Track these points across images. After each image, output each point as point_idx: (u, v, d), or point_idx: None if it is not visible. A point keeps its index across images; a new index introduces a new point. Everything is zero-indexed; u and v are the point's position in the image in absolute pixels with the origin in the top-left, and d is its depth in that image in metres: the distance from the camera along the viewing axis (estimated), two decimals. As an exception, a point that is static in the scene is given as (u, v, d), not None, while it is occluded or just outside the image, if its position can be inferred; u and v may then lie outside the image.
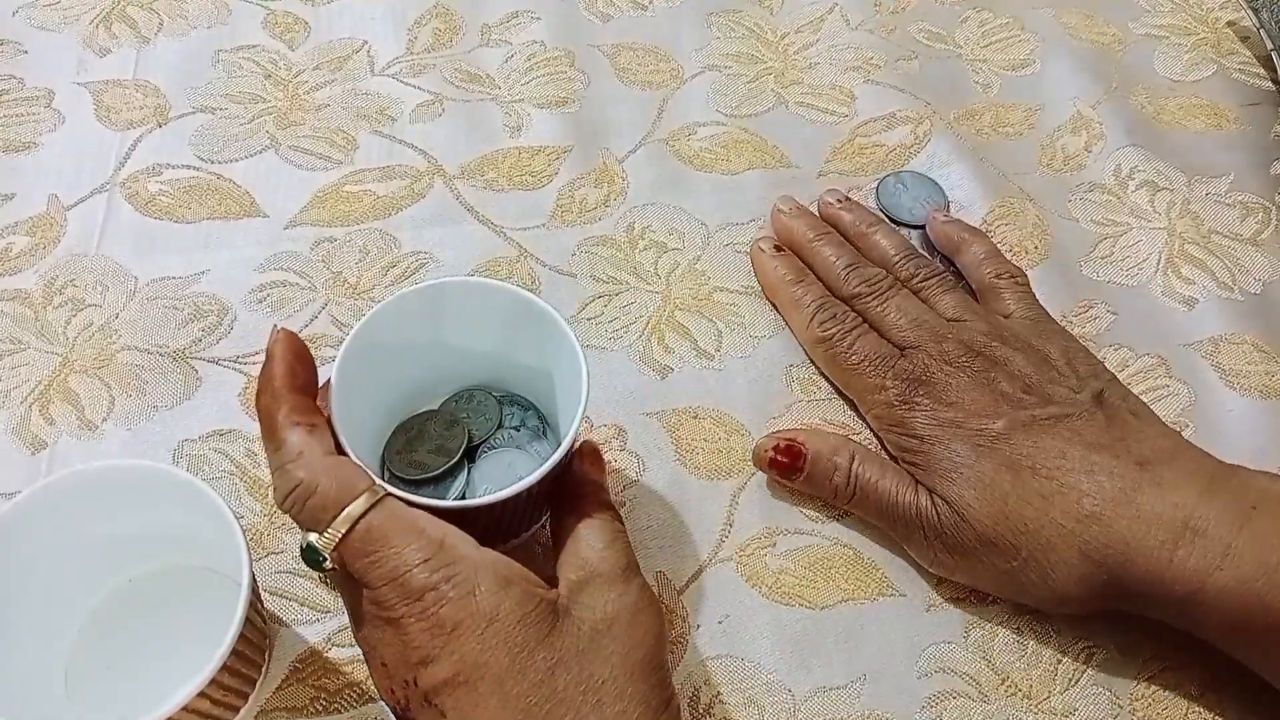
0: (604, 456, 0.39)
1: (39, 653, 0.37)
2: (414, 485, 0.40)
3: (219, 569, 0.39)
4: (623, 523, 0.37)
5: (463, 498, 0.40)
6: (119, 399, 0.45)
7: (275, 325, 0.36)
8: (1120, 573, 0.37)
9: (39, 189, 0.51)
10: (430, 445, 0.41)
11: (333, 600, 0.41)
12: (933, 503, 0.40)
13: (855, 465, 0.42)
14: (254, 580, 0.35)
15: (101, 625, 0.39)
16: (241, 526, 0.41)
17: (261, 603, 0.38)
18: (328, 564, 0.32)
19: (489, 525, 0.37)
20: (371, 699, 0.39)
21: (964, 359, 0.42)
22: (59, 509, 0.36)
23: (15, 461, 0.43)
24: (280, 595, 0.41)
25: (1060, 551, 0.38)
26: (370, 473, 0.34)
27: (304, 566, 0.41)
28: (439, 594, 0.31)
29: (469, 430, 0.42)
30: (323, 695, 0.39)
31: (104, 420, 0.44)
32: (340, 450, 0.34)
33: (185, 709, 0.32)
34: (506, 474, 0.41)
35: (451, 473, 0.41)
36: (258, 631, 0.36)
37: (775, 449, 0.43)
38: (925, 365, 0.42)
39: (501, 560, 0.33)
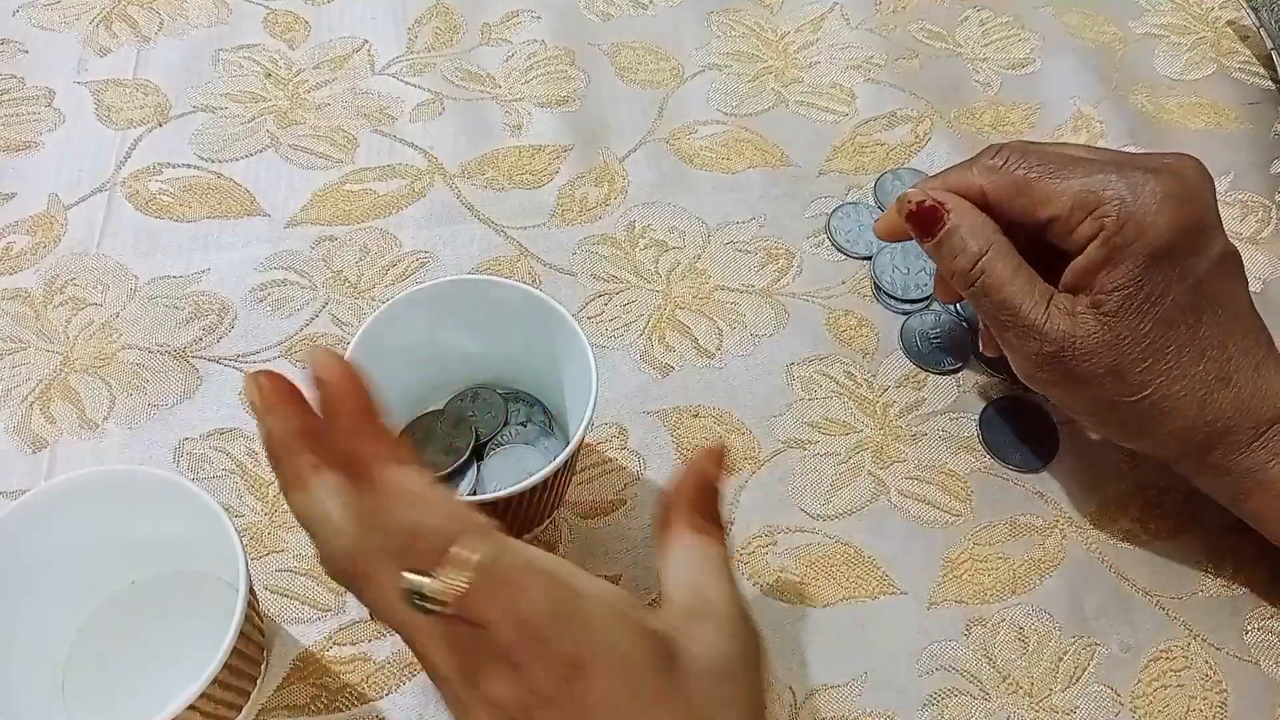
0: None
1: (37, 655, 0.38)
2: None
3: (219, 574, 0.39)
4: (725, 545, 0.34)
5: (474, 495, 0.40)
6: (120, 398, 0.45)
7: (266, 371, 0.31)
8: (1216, 438, 0.38)
9: (39, 188, 0.51)
10: (439, 445, 0.41)
11: (333, 599, 0.41)
12: (1073, 323, 0.38)
13: (986, 258, 0.40)
14: (251, 587, 0.35)
15: (100, 629, 0.39)
16: (242, 525, 0.42)
17: (259, 609, 0.38)
18: (446, 610, 0.28)
19: (503, 522, 0.37)
20: (372, 699, 0.39)
21: None
22: (60, 513, 0.36)
23: (16, 460, 0.43)
24: (281, 594, 0.41)
25: (1181, 401, 0.38)
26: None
27: (296, 571, 0.41)
28: (563, 632, 0.28)
29: (476, 428, 0.42)
30: (324, 694, 0.39)
31: (105, 419, 0.44)
32: None
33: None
34: (516, 470, 0.41)
35: (461, 471, 0.41)
36: (253, 644, 0.36)
37: (919, 204, 0.41)
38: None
39: (611, 588, 0.30)
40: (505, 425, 0.43)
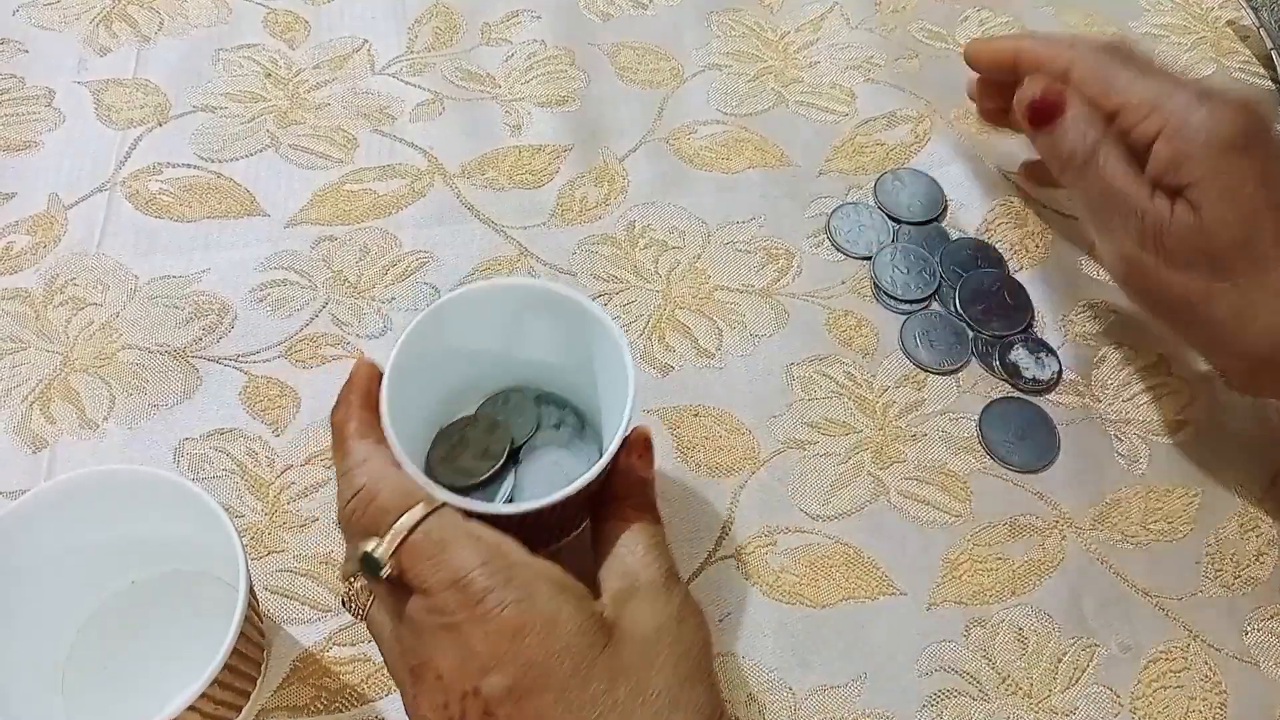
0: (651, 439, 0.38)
1: (37, 655, 0.38)
2: (462, 492, 0.39)
3: (219, 574, 0.39)
4: (661, 523, 0.36)
5: (511, 501, 0.40)
6: (119, 398, 0.45)
7: (361, 353, 0.37)
8: None
9: (39, 188, 0.51)
10: (474, 451, 0.41)
11: (333, 600, 0.41)
12: (1172, 207, 0.40)
13: (1102, 148, 0.42)
14: (251, 588, 0.35)
15: (100, 628, 0.39)
16: (242, 525, 0.42)
17: (259, 609, 0.38)
18: (386, 570, 0.31)
19: (540, 529, 0.36)
20: (372, 699, 0.39)
21: None
22: (60, 513, 0.36)
23: (16, 460, 0.43)
24: (281, 594, 0.41)
25: (1274, 295, 0.39)
26: (436, 490, 0.33)
27: (296, 571, 0.41)
28: (500, 596, 0.30)
29: (510, 433, 0.41)
30: (323, 694, 0.39)
31: (105, 419, 0.44)
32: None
33: None
34: (554, 472, 0.40)
35: (498, 476, 0.40)
36: (253, 645, 0.36)
37: (1042, 97, 0.43)
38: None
39: (554, 568, 0.32)
40: (538, 429, 0.42)
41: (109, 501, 0.36)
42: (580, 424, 0.43)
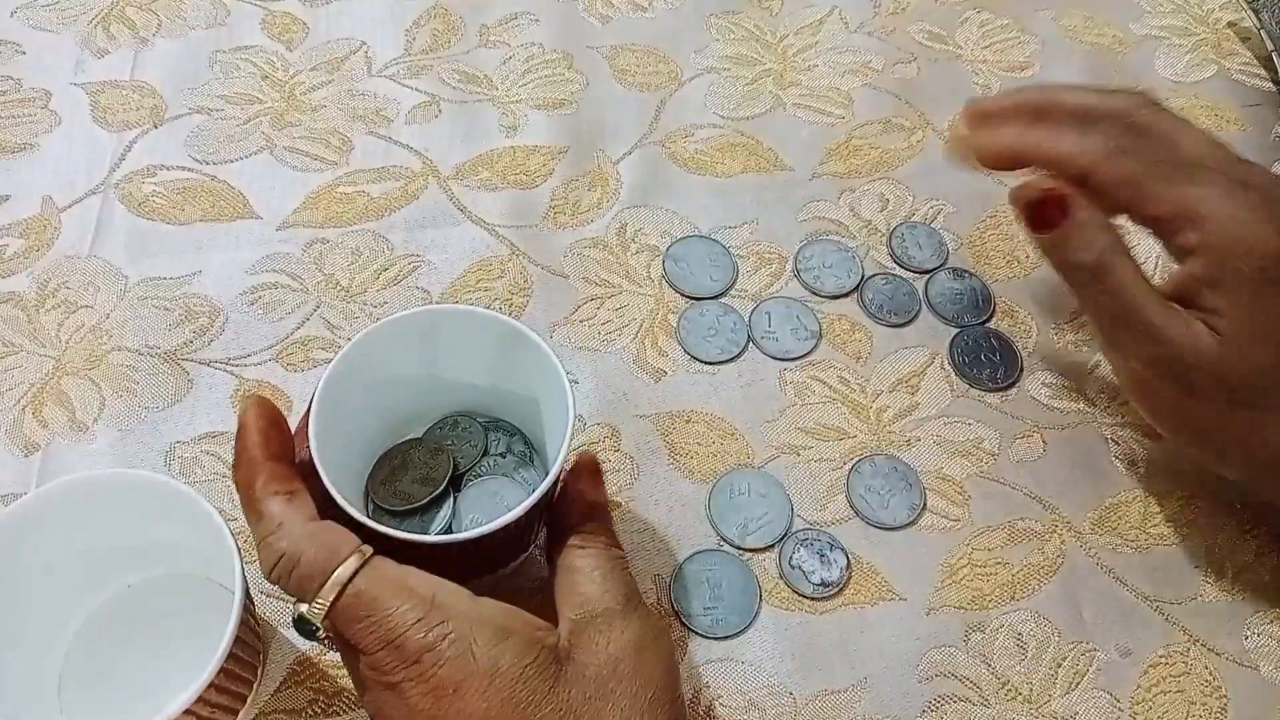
0: (599, 460, 0.38)
1: (33, 659, 0.37)
2: (399, 516, 0.40)
3: (215, 578, 0.39)
4: (620, 546, 0.36)
5: (449, 528, 0.40)
6: (110, 400, 0.45)
7: (244, 393, 0.35)
8: None
9: (34, 191, 0.51)
10: (415, 475, 0.40)
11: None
12: (1191, 332, 0.36)
13: (1112, 256, 0.37)
14: (247, 590, 0.35)
15: (97, 632, 0.39)
16: (234, 529, 0.41)
17: (256, 612, 0.38)
18: (321, 634, 0.31)
19: (476, 558, 0.36)
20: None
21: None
22: (56, 517, 0.35)
23: (8, 463, 0.43)
24: (278, 597, 0.41)
25: None
26: (359, 516, 0.33)
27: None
28: (436, 654, 0.30)
29: (454, 458, 0.41)
30: (321, 698, 0.39)
31: (95, 421, 0.44)
32: (321, 486, 0.33)
33: None
34: (493, 503, 0.40)
35: (437, 503, 0.40)
36: (249, 648, 0.36)
37: (1045, 194, 0.38)
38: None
39: (498, 609, 0.32)
40: (484, 455, 0.41)
41: (106, 505, 0.36)
42: (528, 453, 0.42)
